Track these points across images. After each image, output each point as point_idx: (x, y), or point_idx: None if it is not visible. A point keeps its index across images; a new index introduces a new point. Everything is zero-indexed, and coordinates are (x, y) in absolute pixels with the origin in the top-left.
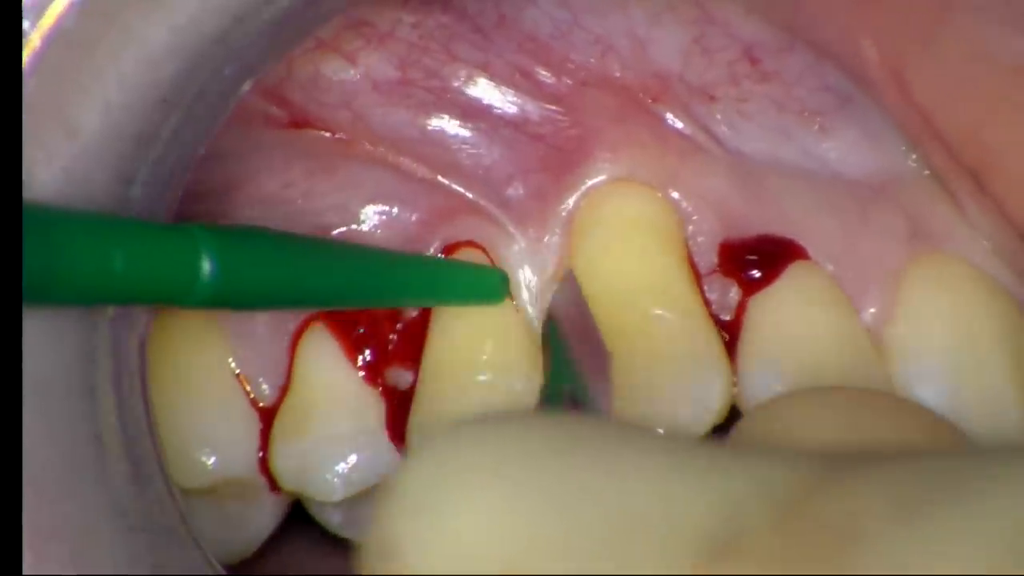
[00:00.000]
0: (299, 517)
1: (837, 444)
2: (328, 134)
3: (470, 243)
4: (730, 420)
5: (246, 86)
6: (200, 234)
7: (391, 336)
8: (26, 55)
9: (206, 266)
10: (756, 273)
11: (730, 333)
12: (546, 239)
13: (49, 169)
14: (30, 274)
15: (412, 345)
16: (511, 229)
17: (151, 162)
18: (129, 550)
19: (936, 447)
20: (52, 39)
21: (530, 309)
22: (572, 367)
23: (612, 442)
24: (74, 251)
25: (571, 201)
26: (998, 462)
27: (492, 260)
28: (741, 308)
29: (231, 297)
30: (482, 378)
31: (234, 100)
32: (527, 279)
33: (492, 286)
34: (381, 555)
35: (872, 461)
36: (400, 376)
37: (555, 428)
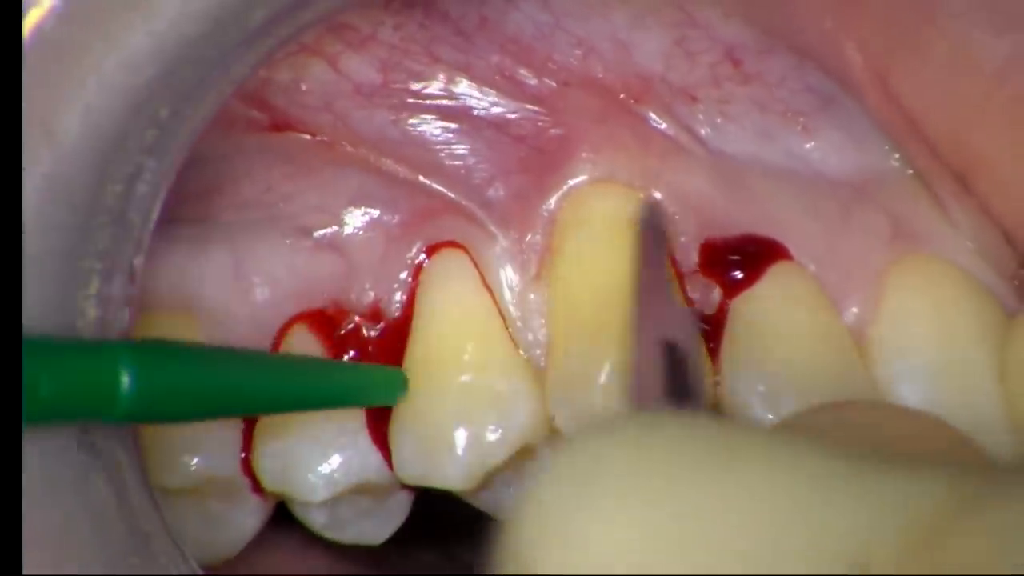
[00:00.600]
0: (284, 518)
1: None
2: (309, 136)
3: (452, 243)
4: None
5: (228, 90)
6: (120, 351)
7: (372, 335)
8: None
9: (125, 381)
10: (738, 274)
11: (712, 333)
12: (528, 239)
13: (29, 173)
14: None
15: (394, 346)
16: (493, 229)
17: (134, 166)
18: (109, 556)
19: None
20: (32, 45)
21: (512, 309)
22: None
23: (754, 455)
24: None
25: (553, 201)
26: None
27: (474, 260)
28: (723, 308)
29: (151, 411)
30: (464, 379)
31: (216, 104)
32: (509, 279)
33: (392, 385)
34: (518, 559)
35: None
36: None
37: (697, 437)
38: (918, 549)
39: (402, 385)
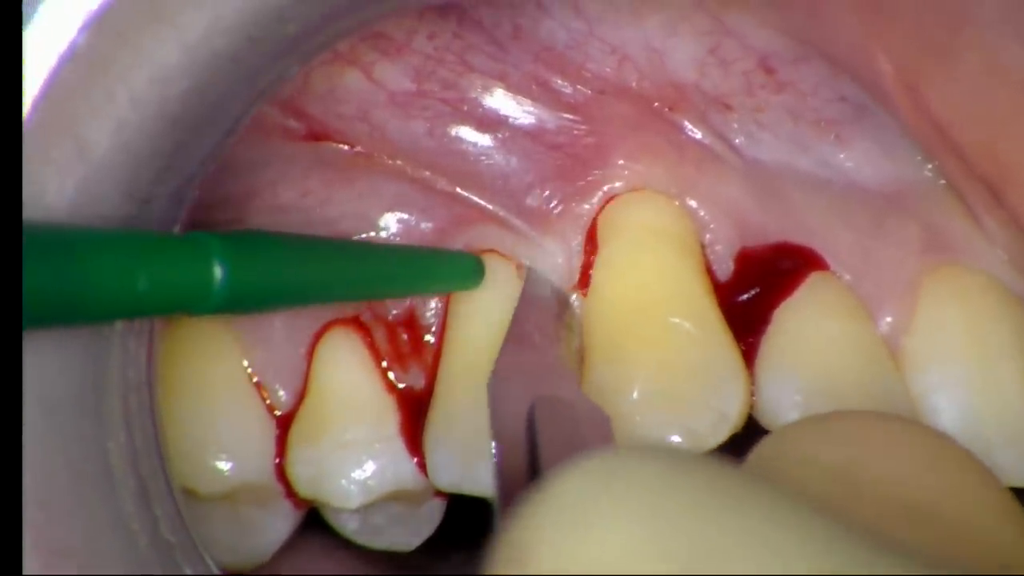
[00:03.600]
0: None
1: (841, 472)
2: (347, 147)
3: (491, 251)
4: (747, 430)
5: (259, 103)
6: (209, 242)
7: (406, 340)
8: (39, 74)
9: (218, 272)
10: (774, 283)
11: (748, 342)
12: (566, 247)
13: (60, 187)
14: (58, 296)
15: (429, 352)
16: (531, 237)
17: (162, 179)
18: (135, 566)
19: (949, 476)
20: (65, 59)
21: None
22: None
23: (753, 505)
24: (100, 272)
25: (589, 209)
26: None
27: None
28: (759, 317)
29: (242, 300)
30: None
31: (247, 117)
32: None
33: (472, 270)
34: (513, 557)
35: None
36: (416, 381)
37: (702, 476)
38: None
39: (479, 271)
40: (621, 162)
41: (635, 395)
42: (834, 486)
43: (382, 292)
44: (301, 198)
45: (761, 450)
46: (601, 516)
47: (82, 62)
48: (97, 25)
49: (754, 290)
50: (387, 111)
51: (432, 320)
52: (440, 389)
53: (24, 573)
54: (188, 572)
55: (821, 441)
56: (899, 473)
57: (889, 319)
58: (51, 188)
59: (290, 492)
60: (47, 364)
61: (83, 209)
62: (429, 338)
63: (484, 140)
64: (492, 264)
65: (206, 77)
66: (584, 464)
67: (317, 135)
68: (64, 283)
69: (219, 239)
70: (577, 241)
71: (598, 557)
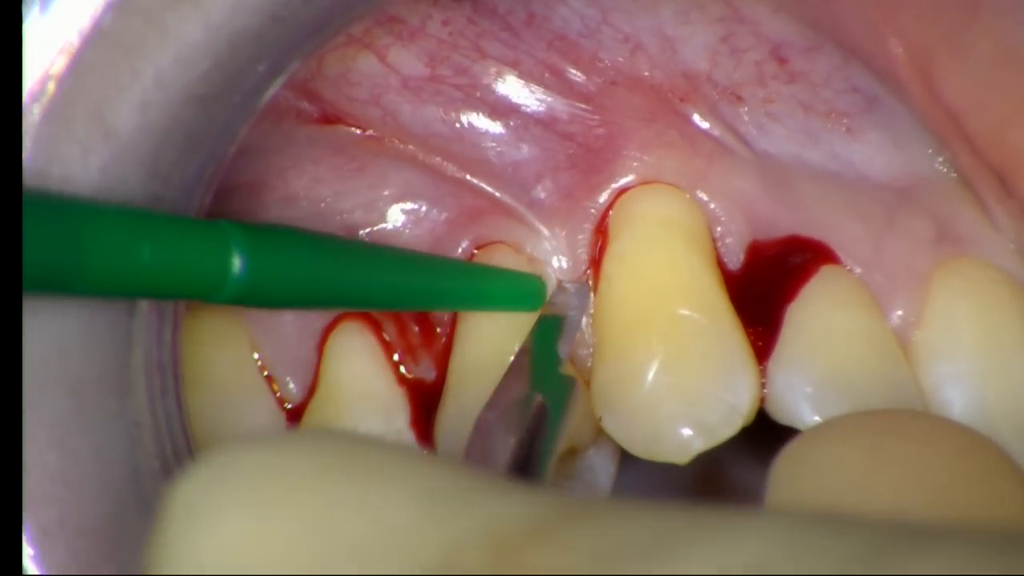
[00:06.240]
0: None
1: (864, 482)
2: (358, 131)
3: (500, 243)
4: (758, 422)
5: (279, 82)
6: (231, 230)
7: (418, 335)
8: (64, 55)
9: (236, 263)
10: (785, 276)
11: (759, 335)
12: (575, 238)
13: (85, 167)
14: (58, 265)
15: (439, 345)
16: (540, 228)
17: (186, 159)
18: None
19: (971, 469)
20: (90, 39)
21: None
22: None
23: (360, 470)
24: (102, 242)
25: (600, 200)
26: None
27: (528, 258)
28: (770, 311)
29: (260, 295)
30: None
31: (267, 97)
32: (558, 278)
33: (529, 293)
34: (148, 561)
35: (600, 512)
36: (428, 374)
37: (314, 455)
38: (499, 556)
39: (541, 292)
40: (633, 153)
41: (645, 388)
42: (853, 479)
43: (419, 305)
44: (312, 186)
45: (780, 463)
46: (213, 511)
47: (107, 42)
48: (122, 5)
49: (765, 283)
50: (400, 95)
51: (443, 313)
52: (451, 382)
53: (48, 553)
54: None
55: (840, 441)
56: (919, 462)
57: (900, 312)
58: (76, 167)
59: None
60: (72, 342)
61: (108, 188)
62: (440, 330)
63: (496, 127)
64: (502, 257)
65: (229, 56)
66: (203, 461)
67: (329, 118)
68: (62, 248)
69: (242, 228)
70: (589, 231)
71: (214, 552)
